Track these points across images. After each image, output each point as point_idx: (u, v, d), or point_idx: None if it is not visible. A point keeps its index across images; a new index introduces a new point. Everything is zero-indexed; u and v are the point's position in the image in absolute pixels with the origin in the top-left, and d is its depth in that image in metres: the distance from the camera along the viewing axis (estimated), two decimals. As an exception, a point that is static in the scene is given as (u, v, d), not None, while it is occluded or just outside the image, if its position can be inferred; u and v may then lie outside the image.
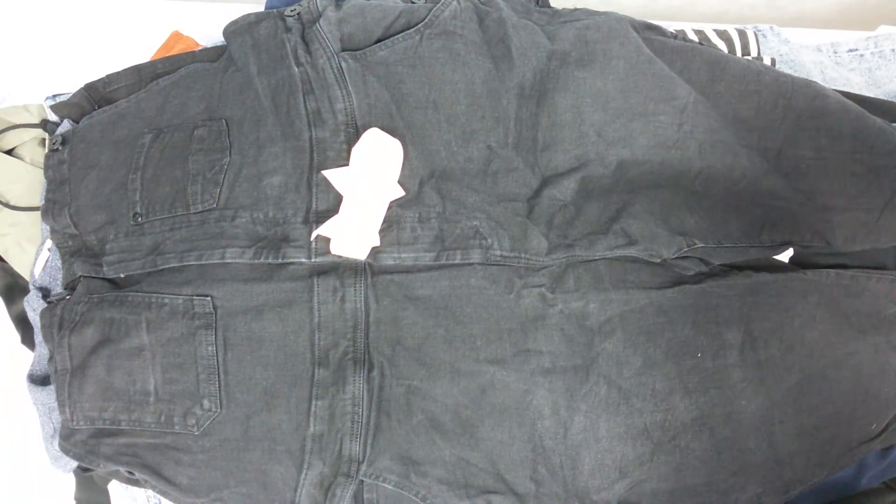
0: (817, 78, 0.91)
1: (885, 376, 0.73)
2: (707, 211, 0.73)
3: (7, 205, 0.80)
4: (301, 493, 0.68)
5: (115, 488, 0.82)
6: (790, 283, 0.73)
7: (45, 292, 0.77)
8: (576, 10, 0.77)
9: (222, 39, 0.77)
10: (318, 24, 0.72)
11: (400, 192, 0.68)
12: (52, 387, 0.74)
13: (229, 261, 0.68)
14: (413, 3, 0.75)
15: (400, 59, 0.71)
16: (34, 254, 0.80)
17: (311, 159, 0.69)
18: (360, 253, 0.67)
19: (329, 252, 0.67)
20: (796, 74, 0.79)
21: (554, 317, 0.69)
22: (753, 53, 0.91)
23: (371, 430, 0.68)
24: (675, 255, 0.72)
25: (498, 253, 0.69)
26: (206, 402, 0.68)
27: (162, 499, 0.83)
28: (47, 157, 0.77)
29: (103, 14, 0.99)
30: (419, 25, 0.72)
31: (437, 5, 0.73)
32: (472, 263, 0.69)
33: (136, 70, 0.78)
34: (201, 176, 0.70)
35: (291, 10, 0.75)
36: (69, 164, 0.75)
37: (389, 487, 0.69)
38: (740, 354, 0.70)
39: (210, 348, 0.67)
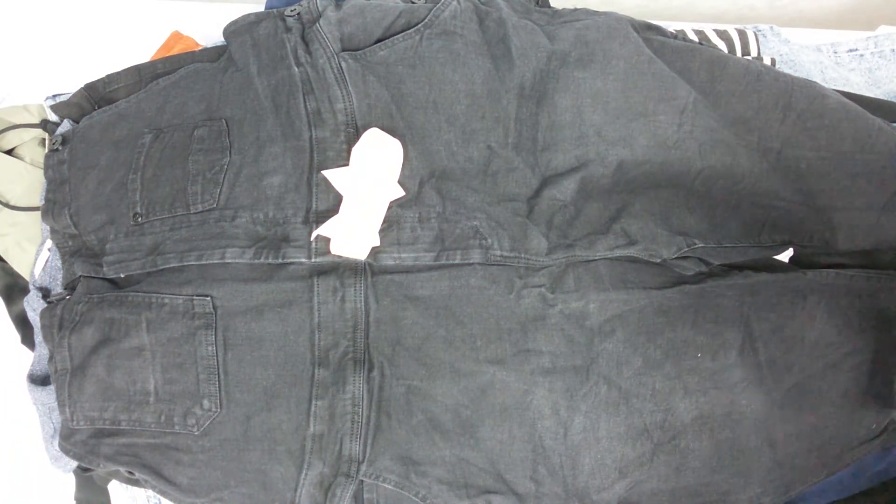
0: (817, 78, 0.91)
1: (885, 376, 0.73)
2: (707, 211, 0.74)
3: (7, 205, 0.80)
4: (301, 493, 0.68)
5: (115, 488, 0.82)
6: (790, 283, 0.73)
7: (45, 292, 0.77)
8: (576, 10, 0.77)
9: (222, 39, 0.77)
10: (318, 24, 0.72)
11: (400, 192, 0.68)
12: (52, 387, 0.74)
13: (229, 261, 0.68)
14: (413, 3, 0.75)
15: (400, 59, 0.71)
16: (34, 254, 0.80)
17: (311, 159, 0.69)
18: (360, 253, 0.67)
19: (329, 252, 0.67)
20: (796, 74, 0.79)
21: (554, 317, 0.69)
22: (753, 53, 0.91)
23: (371, 430, 0.68)
24: (675, 255, 0.72)
25: (498, 253, 0.69)
26: (206, 402, 0.68)
27: (162, 499, 0.83)
28: (47, 157, 0.77)
29: (103, 14, 0.99)
30: (419, 25, 0.72)
31: (437, 5, 0.73)
32: (472, 263, 0.69)
33: (136, 70, 0.78)
34: (201, 176, 0.69)
35: (291, 10, 0.75)
36: (69, 164, 0.75)
37: (389, 487, 0.69)
38: (740, 354, 0.70)
39: (210, 348, 0.67)
